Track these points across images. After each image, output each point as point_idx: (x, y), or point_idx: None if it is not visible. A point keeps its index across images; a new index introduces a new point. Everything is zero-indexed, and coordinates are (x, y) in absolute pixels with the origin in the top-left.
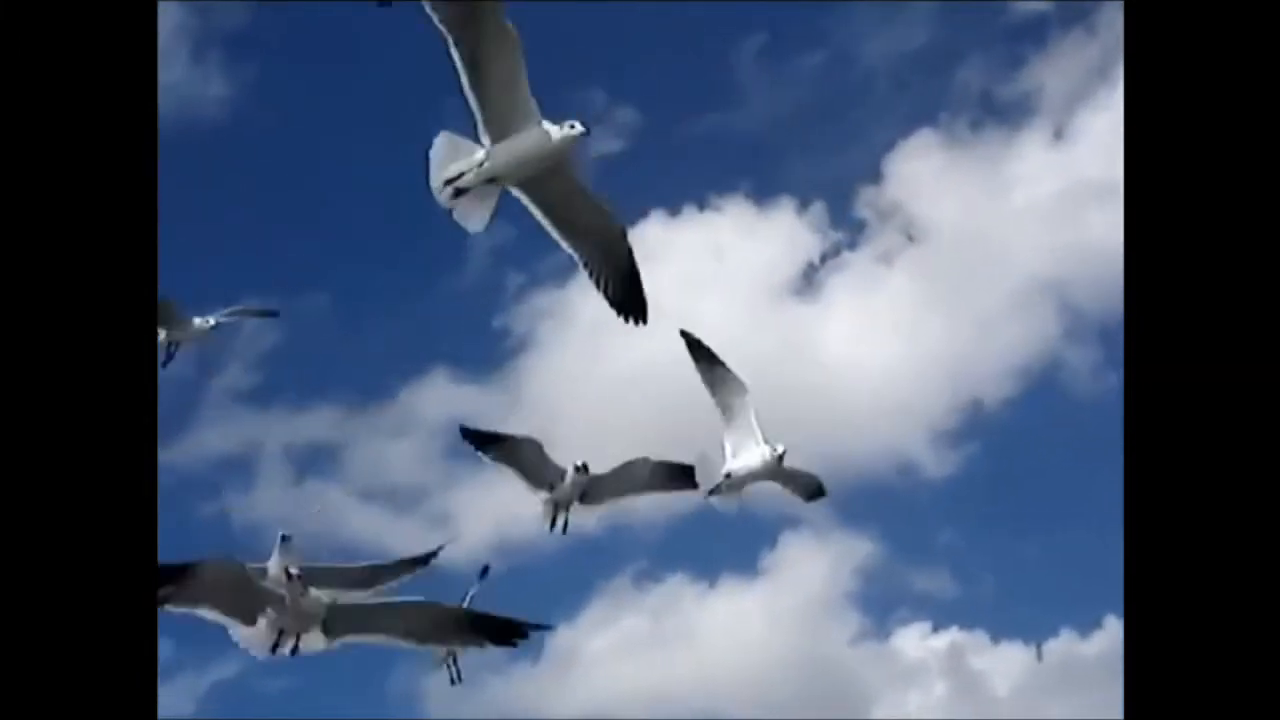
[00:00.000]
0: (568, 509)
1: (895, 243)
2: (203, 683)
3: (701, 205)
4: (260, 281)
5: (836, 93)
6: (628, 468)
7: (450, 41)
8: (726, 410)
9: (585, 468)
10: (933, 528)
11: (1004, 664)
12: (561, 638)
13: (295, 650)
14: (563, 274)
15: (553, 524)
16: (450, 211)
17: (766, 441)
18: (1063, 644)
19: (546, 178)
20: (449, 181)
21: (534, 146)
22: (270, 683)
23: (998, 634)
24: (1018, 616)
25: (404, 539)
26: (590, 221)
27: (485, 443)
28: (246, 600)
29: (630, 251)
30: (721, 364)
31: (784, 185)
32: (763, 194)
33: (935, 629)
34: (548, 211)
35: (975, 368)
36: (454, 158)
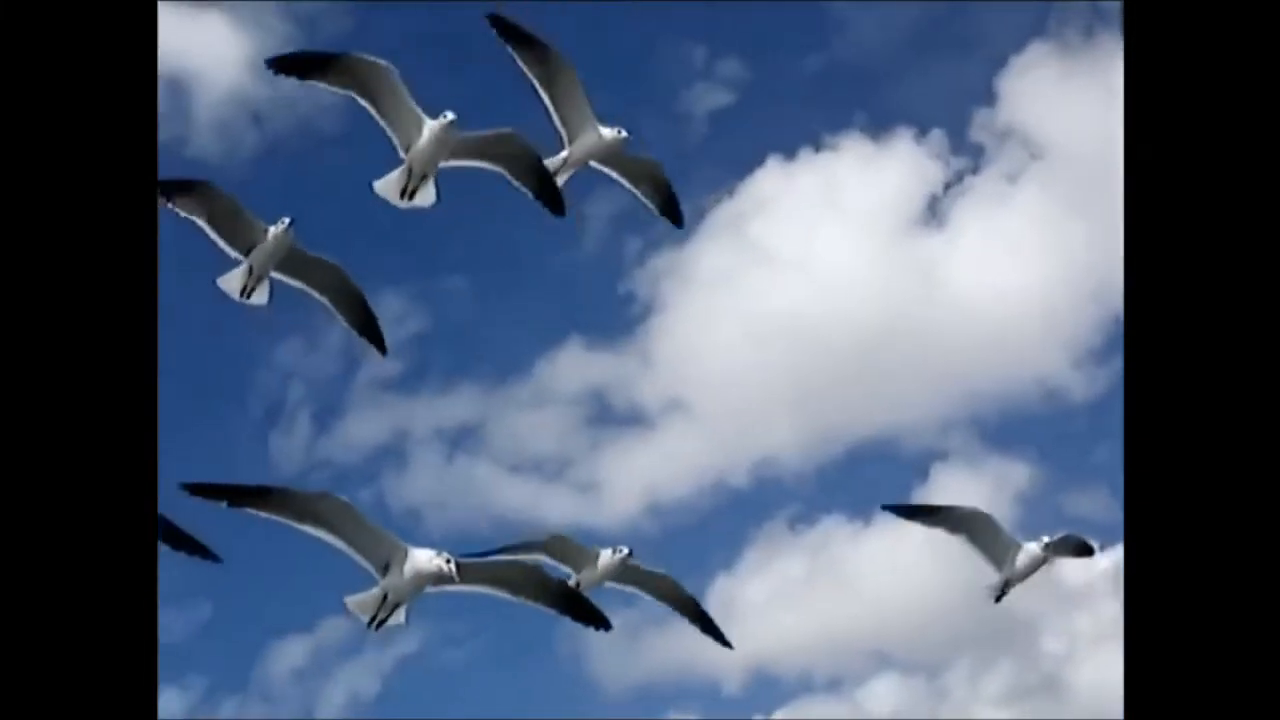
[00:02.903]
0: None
1: (1019, 160)
2: (388, 658)
3: (817, 146)
4: (403, 270)
5: (940, 12)
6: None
7: (533, 78)
8: None
9: (629, 553)
10: (1087, 447)
11: None
12: (720, 586)
13: (381, 625)
14: (680, 234)
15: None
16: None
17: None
18: None
19: (606, 159)
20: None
21: (590, 147)
22: (450, 654)
23: None
24: None
25: (556, 508)
26: (640, 172)
27: None
28: (243, 232)
29: (667, 180)
30: None
31: (899, 115)
32: (878, 126)
33: (1100, 549)
34: (615, 171)
35: (1116, 282)
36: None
